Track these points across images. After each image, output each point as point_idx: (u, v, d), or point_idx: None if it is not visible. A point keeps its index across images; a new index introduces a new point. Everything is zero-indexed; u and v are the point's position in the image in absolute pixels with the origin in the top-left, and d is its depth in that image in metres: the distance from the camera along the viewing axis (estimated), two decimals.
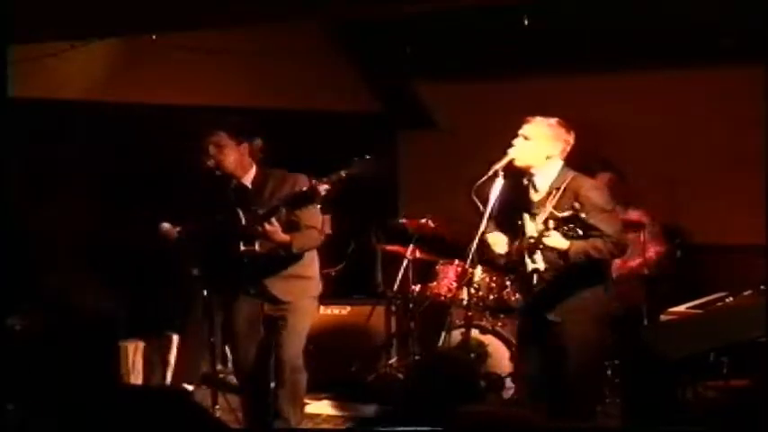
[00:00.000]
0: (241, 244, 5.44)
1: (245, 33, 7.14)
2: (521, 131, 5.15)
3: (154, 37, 6.56)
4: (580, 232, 4.84)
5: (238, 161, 5.52)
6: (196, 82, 7.39)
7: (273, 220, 5.30)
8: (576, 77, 7.58)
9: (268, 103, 7.75)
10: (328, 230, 5.71)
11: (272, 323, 5.61)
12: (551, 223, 4.88)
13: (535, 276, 5.10)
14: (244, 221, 5.38)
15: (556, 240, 4.91)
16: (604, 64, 7.43)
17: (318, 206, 5.52)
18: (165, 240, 5.71)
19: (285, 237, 5.37)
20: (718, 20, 6.60)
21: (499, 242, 5.25)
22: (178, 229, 5.69)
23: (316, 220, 5.52)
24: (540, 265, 5.03)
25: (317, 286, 5.75)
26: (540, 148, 5.13)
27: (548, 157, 5.13)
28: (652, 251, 6.90)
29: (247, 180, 5.56)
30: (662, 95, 7.48)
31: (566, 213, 4.82)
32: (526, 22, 6.60)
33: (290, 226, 5.43)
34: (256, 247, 5.45)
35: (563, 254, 4.96)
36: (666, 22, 6.86)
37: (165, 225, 5.72)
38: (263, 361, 5.64)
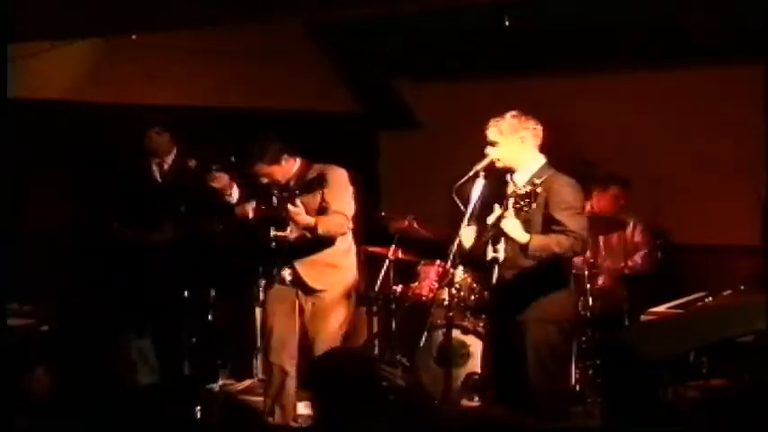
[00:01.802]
0: (272, 229, 5.73)
1: (225, 33, 7.12)
2: (488, 139, 5.20)
3: (134, 37, 6.55)
4: (533, 206, 4.86)
5: (283, 174, 5.81)
6: (176, 82, 7.36)
7: (298, 201, 5.58)
8: (558, 78, 7.59)
9: (249, 104, 7.74)
10: None
11: (306, 313, 5.84)
12: (510, 202, 4.89)
13: (495, 269, 5.09)
14: (275, 203, 5.76)
15: (513, 228, 4.91)
16: (587, 65, 7.45)
17: (350, 193, 5.82)
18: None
19: (309, 219, 5.63)
20: (700, 21, 6.63)
21: (467, 236, 5.27)
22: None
23: (344, 206, 5.78)
24: (500, 255, 5.02)
25: (350, 277, 5.94)
26: (508, 145, 5.17)
27: (519, 147, 5.17)
28: (638, 256, 6.94)
29: (285, 178, 5.84)
30: (643, 96, 7.50)
31: (525, 189, 4.85)
32: (507, 23, 6.61)
33: (321, 210, 5.72)
34: (288, 231, 5.73)
35: (522, 247, 4.96)
36: (649, 24, 6.89)
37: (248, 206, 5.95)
38: (292, 349, 5.88)
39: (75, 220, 6.94)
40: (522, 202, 4.83)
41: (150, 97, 7.22)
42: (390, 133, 8.84)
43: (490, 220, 5.05)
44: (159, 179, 6.77)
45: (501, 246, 5.01)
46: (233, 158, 6.17)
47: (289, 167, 5.80)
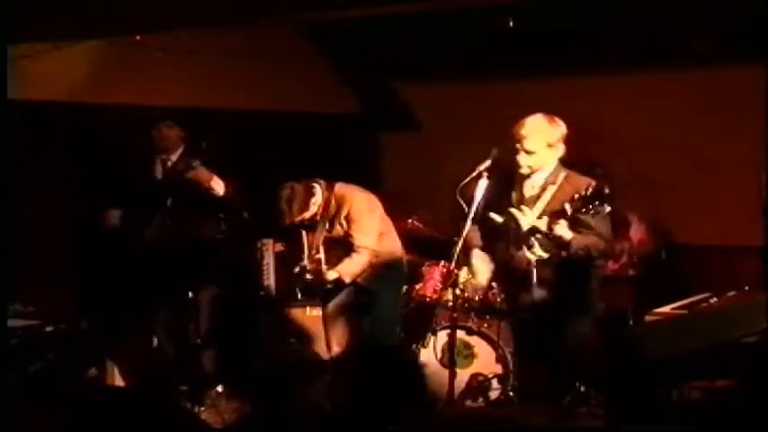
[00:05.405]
0: (308, 274, 6.03)
1: (224, 34, 7.12)
2: (524, 146, 5.13)
3: (138, 38, 6.55)
4: (592, 212, 4.85)
5: (312, 211, 6.02)
6: (174, 83, 7.36)
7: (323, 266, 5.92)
8: (559, 79, 7.59)
9: (250, 105, 7.74)
10: None
11: (359, 308, 6.15)
12: (568, 207, 4.85)
13: (534, 271, 5.09)
14: (306, 258, 6.02)
15: (562, 230, 4.94)
16: (586, 65, 7.46)
17: (376, 216, 6.03)
18: None
19: (333, 276, 5.94)
20: (700, 22, 6.62)
21: (481, 272, 5.29)
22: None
23: (368, 239, 5.98)
24: (543, 254, 5.04)
25: (400, 269, 6.22)
26: (545, 156, 5.17)
27: (553, 157, 5.19)
28: (641, 255, 6.93)
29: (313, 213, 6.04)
30: (641, 97, 7.51)
31: (582, 193, 4.82)
32: (511, 24, 6.60)
33: (345, 244, 5.96)
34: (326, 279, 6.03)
35: (564, 245, 4.97)
36: (649, 24, 6.89)
37: None
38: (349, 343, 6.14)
39: (79, 221, 6.94)
40: (588, 206, 4.81)
41: (151, 99, 7.21)
42: (392, 135, 8.83)
43: (526, 221, 5.00)
44: (161, 176, 6.67)
45: (537, 246, 5.02)
46: (203, 144, 6.24)
47: (316, 203, 5.95)
